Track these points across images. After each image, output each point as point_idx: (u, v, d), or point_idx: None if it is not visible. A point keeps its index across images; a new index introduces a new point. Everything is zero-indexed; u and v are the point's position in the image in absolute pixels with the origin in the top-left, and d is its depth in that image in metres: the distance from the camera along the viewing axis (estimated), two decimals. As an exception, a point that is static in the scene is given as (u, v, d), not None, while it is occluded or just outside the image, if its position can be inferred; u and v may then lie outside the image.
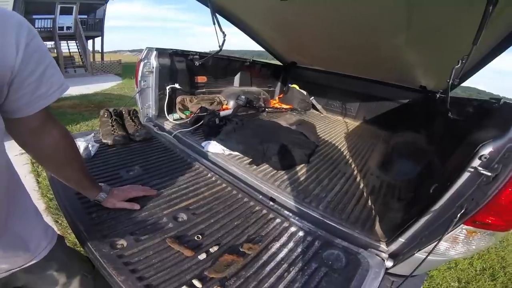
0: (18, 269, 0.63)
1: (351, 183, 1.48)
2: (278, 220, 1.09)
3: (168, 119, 2.00)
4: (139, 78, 1.81)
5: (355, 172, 1.63)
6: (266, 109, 2.69)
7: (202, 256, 0.85)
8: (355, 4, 1.46)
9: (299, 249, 0.95)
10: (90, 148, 1.32)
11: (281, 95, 3.34)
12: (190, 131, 1.82)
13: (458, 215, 0.73)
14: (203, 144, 1.61)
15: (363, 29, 1.70)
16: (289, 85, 3.21)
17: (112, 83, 9.39)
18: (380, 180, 1.57)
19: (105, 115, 1.65)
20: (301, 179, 1.44)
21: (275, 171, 1.46)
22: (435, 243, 0.78)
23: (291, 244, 0.97)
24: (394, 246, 0.96)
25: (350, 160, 1.81)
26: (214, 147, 1.56)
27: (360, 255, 0.95)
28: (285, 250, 0.94)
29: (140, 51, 1.90)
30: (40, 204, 2.11)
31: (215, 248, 0.89)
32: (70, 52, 13.90)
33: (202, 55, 2.19)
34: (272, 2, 1.70)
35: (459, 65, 1.04)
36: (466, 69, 1.34)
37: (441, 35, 1.40)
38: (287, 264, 0.87)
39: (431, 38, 1.47)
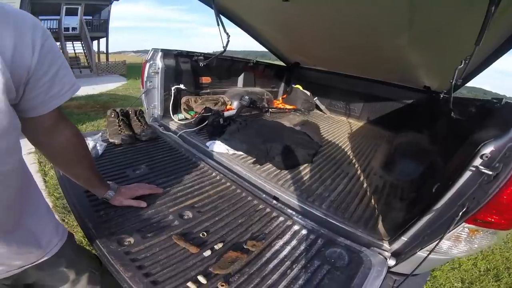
0: (30, 265, 0.64)
1: (354, 183, 1.49)
2: (281, 219, 1.11)
3: (173, 119, 2.03)
4: (145, 79, 1.84)
5: (358, 172, 1.64)
6: (270, 110, 2.70)
7: (207, 252, 0.87)
8: (358, 5, 1.47)
9: (302, 247, 0.96)
10: (98, 147, 1.35)
11: (285, 96, 3.35)
12: (194, 131, 1.84)
13: (460, 214, 0.74)
14: (207, 143, 1.63)
15: (366, 29, 1.71)
16: (293, 85, 3.22)
17: (117, 83, 9.46)
18: (383, 180, 1.57)
19: (112, 115, 1.68)
20: (304, 178, 1.45)
21: (279, 170, 1.48)
22: (436, 242, 0.79)
23: (294, 242, 0.98)
24: (396, 245, 0.96)
25: (354, 160, 1.82)
26: (218, 147, 1.59)
27: (363, 253, 0.96)
28: (288, 248, 0.95)
29: (145, 51, 1.92)
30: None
31: (220, 245, 0.91)
32: (75, 53, 14.02)
33: (206, 56, 2.22)
34: (274, 3, 1.72)
35: (462, 65, 1.05)
36: (470, 70, 1.34)
37: (443, 35, 1.40)
38: (290, 261, 0.89)
39: (433, 38, 1.47)
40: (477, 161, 0.73)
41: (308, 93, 3.13)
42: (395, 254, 0.97)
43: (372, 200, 1.33)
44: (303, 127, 2.25)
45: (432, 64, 1.88)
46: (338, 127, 2.69)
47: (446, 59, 1.58)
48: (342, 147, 2.05)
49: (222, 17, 2.00)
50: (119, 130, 1.57)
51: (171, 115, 2.04)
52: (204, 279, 0.77)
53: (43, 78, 0.54)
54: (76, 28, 12.83)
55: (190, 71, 2.17)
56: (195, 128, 1.86)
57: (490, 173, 0.69)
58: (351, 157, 1.88)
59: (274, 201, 1.22)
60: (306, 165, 1.60)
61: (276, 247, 0.95)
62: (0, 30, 0.45)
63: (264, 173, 1.42)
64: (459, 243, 0.86)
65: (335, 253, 0.95)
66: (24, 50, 0.48)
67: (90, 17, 13.71)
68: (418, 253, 0.88)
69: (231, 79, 2.75)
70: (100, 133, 1.53)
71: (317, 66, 3.11)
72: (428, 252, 0.81)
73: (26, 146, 0.66)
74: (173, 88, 2.02)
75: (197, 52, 2.19)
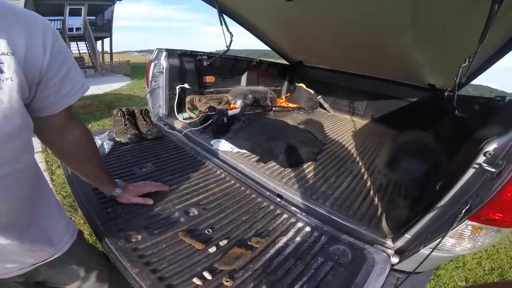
0: (41, 263, 0.65)
1: (358, 181, 1.49)
2: (285, 216, 1.12)
3: (178, 118, 2.05)
4: (150, 79, 1.86)
5: (362, 170, 1.64)
6: (273, 108, 2.70)
7: (212, 249, 0.88)
8: (361, 3, 1.47)
9: (305, 244, 0.97)
10: (105, 146, 1.37)
11: (288, 94, 3.35)
12: (199, 130, 1.86)
13: (463, 211, 0.74)
14: (212, 142, 1.65)
15: (369, 28, 1.71)
16: (296, 84, 3.22)
17: (121, 83, 9.51)
18: (387, 178, 1.57)
19: (118, 114, 1.70)
20: (308, 176, 1.46)
21: (282, 168, 1.49)
22: (440, 239, 0.80)
23: (298, 239, 0.99)
24: (400, 243, 0.97)
25: (357, 158, 1.82)
26: (222, 145, 1.60)
27: (366, 250, 0.96)
28: (292, 245, 0.96)
29: (148, 51, 1.95)
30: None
31: (225, 241, 0.93)
32: (80, 53, 14.10)
33: (210, 55, 2.23)
34: (277, 3, 1.72)
35: (466, 63, 1.05)
36: (474, 68, 1.34)
37: (447, 33, 1.40)
38: (294, 258, 0.90)
39: (437, 36, 1.47)
40: (481, 159, 0.73)
41: (312, 91, 3.12)
42: (399, 252, 0.97)
43: (376, 198, 1.33)
44: (306, 125, 2.26)
45: (437, 62, 1.87)
46: (342, 125, 2.68)
47: (450, 57, 1.57)
48: (346, 145, 2.05)
49: (225, 16, 2.01)
50: (125, 129, 1.59)
51: (176, 114, 2.06)
52: (210, 275, 0.78)
53: (54, 78, 0.55)
54: (80, 28, 12.88)
55: (194, 70, 2.19)
56: (200, 127, 1.88)
57: (493, 170, 0.70)
58: (355, 155, 1.88)
59: (278, 199, 1.23)
60: (309, 163, 1.61)
61: (280, 243, 0.96)
62: (12, 31, 0.46)
63: (268, 171, 1.43)
64: (462, 240, 0.86)
65: (339, 250, 0.96)
66: (35, 51, 0.49)
67: (94, 17, 13.76)
68: (421, 250, 0.88)
69: (234, 78, 2.76)
70: (107, 132, 1.55)
71: (321, 64, 3.10)
72: (431, 250, 0.82)
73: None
74: (177, 88, 2.04)
75: (200, 52, 2.20)
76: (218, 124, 1.84)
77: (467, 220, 0.77)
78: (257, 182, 1.35)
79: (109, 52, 14.98)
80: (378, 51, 2.03)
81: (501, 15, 0.88)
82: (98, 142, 1.35)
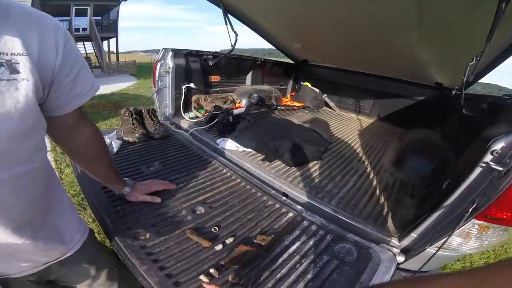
0: (54, 262, 0.66)
1: (364, 180, 1.49)
2: (290, 214, 1.12)
3: (184, 118, 2.07)
4: (156, 78, 1.88)
5: (368, 169, 1.64)
6: (278, 107, 2.71)
7: (219, 247, 0.89)
8: (366, 2, 1.46)
9: (311, 242, 0.98)
10: (113, 145, 1.39)
11: (293, 93, 3.34)
12: (205, 129, 1.88)
13: (470, 210, 0.74)
14: (217, 141, 1.66)
15: (375, 26, 1.70)
16: (301, 83, 3.21)
17: (128, 83, 9.58)
18: (394, 177, 1.57)
19: (126, 114, 1.73)
20: (314, 175, 1.46)
21: (288, 167, 1.49)
22: (446, 238, 0.79)
23: (303, 237, 1.00)
24: (406, 242, 0.97)
25: (364, 157, 1.81)
26: (228, 144, 1.62)
27: (372, 249, 0.96)
28: (297, 243, 0.97)
29: (153, 51, 1.96)
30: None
31: (231, 239, 0.94)
32: (86, 53, 14.24)
33: (215, 54, 2.24)
34: (281, 1, 1.72)
35: (473, 62, 1.04)
36: (481, 67, 1.32)
37: (454, 32, 1.38)
38: (299, 256, 0.90)
39: (444, 35, 1.45)
40: (488, 157, 0.73)
41: (317, 90, 3.11)
42: (405, 251, 0.97)
43: (382, 197, 1.33)
44: (312, 124, 2.26)
45: (444, 61, 1.84)
46: (348, 124, 2.67)
47: (457, 56, 1.55)
48: (352, 144, 2.05)
49: (229, 16, 2.02)
50: (133, 129, 1.62)
51: (182, 113, 2.08)
52: (216, 272, 0.79)
53: (66, 78, 0.55)
54: (86, 28, 13.00)
55: (199, 70, 2.21)
56: (206, 126, 1.90)
57: (501, 169, 0.69)
58: (361, 154, 1.88)
59: (284, 198, 1.24)
60: (315, 162, 1.61)
61: (286, 242, 0.96)
62: (26, 32, 0.47)
63: (274, 169, 1.44)
64: (469, 239, 0.86)
65: (344, 249, 0.96)
66: (48, 52, 0.50)
67: (99, 18, 13.87)
68: (427, 249, 0.88)
69: (239, 77, 2.77)
70: (115, 131, 1.57)
71: (326, 63, 3.09)
72: (437, 248, 0.81)
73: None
74: (183, 87, 2.06)
75: (206, 51, 2.22)
76: (224, 123, 1.85)
77: (474, 219, 0.77)
78: (263, 180, 1.36)
79: (115, 52, 15.11)
80: (384, 49, 2.01)
81: (509, 14, 0.87)
82: (107, 141, 1.37)
